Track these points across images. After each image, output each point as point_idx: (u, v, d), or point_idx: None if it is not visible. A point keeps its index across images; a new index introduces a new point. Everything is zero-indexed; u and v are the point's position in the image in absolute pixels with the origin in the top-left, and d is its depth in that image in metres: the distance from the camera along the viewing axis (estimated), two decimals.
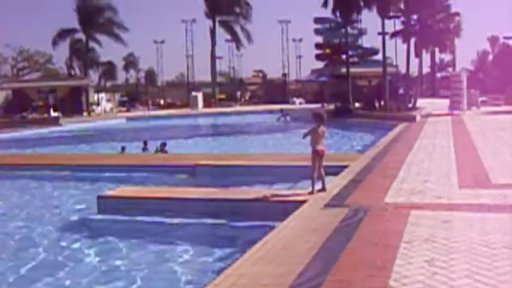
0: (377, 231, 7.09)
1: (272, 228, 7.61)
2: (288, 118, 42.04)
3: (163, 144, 21.11)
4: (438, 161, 13.16)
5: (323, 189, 9.92)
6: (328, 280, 5.26)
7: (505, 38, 79.21)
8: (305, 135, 10.06)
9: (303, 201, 9.11)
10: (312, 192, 9.72)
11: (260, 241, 6.85)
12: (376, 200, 8.89)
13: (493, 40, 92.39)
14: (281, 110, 43.07)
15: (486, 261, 5.62)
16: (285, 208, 8.81)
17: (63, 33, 62.40)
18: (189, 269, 7.95)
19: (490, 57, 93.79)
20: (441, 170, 11.69)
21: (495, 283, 4.99)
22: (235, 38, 69.11)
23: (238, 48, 69.84)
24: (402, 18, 50.48)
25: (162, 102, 72.62)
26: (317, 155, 9.80)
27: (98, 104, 60.86)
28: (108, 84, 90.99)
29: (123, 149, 21.60)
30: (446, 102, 34.50)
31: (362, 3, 39.83)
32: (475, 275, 5.22)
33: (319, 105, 47.23)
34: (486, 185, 9.86)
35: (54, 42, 62.21)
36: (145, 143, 22.44)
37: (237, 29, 67.97)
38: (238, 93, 77.74)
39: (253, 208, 9.88)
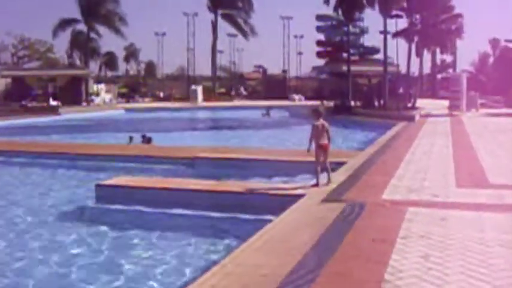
0: (374, 226, 7.14)
1: (270, 221, 7.66)
2: (271, 115, 42.42)
3: (148, 139, 21.13)
4: (436, 160, 13.23)
5: (328, 181, 10.14)
6: (324, 272, 5.31)
7: (506, 41, 79.19)
8: (310, 141, 10.20)
9: (301, 196, 9.17)
10: (316, 185, 9.90)
11: (257, 233, 6.90)
12: (373, 196, 8.95)
13: (494, 43, 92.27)
14: (267, 108, 43.41)
15: (481, 258, 5.68)
16: (283, 202, 8.86)
17: (64, 23, 62.22)
18: (186, 258, 8.00)
19: (491, 59, 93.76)
20: (439, 169, 11.76)
21: (489, 280, 5.05)
22: (239, 30, 68.92)
23: (246, 37, 69.48)
24: (405, 18, 50.38)
25: (161, 94, 72.52)
26: (320, 149, 9.97)
27: (98, 94, 60.77)
28: (109, 75, 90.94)
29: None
30: (445, 103, 34.55)
31: (365, 2, 39.79)
32: (469, 271, 5.29)
33: (317, 102, 47.33)
34: (483, 184, 9.93)
35: (55, 32, 62.05)
36: (130, 138, 21.91)
37: (241, 22, 67.86)
38: (242, 88, 77.66)
39: (251, 201, 9.93)
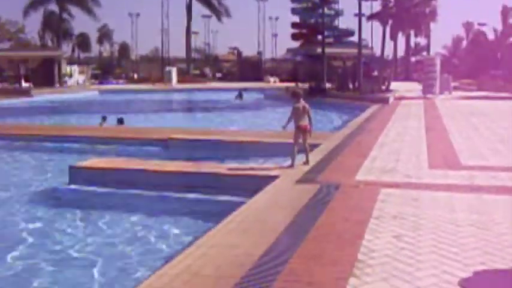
0: (347, 207, 7.20)
1: (244, 202, 7.67)
2: (243, 98, 42.23)
3: (119, 119, 21.07)
4: (409, 142, 13.35)
5: (307, 162, 10.26)
6: (298, 252, 5.34)
7: (480, 24, 79.98)
8: (288, 120, 10.23)
9: (275, 177, 9.19)
10: (291, 166, 9.96)
11: (232, 214, 6.91)
12: (347, 177, 9.01)
13: (468, 26, 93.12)
14: (240, 91, 43.12)
15: (452, 237, 5.77)
16: (257, 183, 8.87)
17: (35, 3, 61.19)
18: (162, 240, 8.00)
19: (464, 43, 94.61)
20: (412, 150, 11.87)
21: (460, 258, 5.13)
22: (213, 11, 68.52)
23: (219, 18, 69.10)
24: (379, 0, 50.57)
25: (135, 76, 71.91)
26: (299, 130, 10.04)
27: (71, 76, 60.00)
28: (82, 56, 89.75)
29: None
30: (419, 85, 34.82)
31: None
32: (440, 250, 5.36)
33: (292, 84, 47.42)
34: (455, 166, 10.05)
35: (26, 12, 61.02)
36: (104, 118, 21.71)
37: (215, 2, 67.47)
38: (208, 69, 77.25)
39: (225, 182, 9.92)
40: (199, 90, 52.39)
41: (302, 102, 10.14)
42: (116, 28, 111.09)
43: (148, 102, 40.16)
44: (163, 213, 9.28)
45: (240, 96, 42.50)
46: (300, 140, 10.17)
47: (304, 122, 10.15)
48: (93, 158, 12.77)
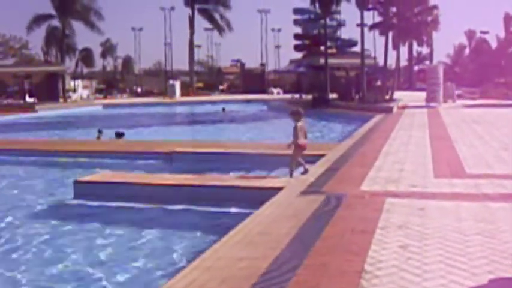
0: (353, 217, 7.17)
1: (249, 214, 7.65)
2: (225, 112, 42.70)
3: (120, 134, 21.14)
4: (414, 151, 13.32)
5: (306, 171, 10.64)
6: (304, 264, 5.32)
7: (482, 32, 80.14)
8: (293, 138, 10.78)
9: (280, 188, 9.17)
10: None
11: (237, 226, 6.89)
12: (352, 187, 8.99)
13: (470, 34, 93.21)
14: (223, 108, 43.60)
15: (459, 247, 5.73)
16: (262, 195, 8.85)
17: (39, 19, 61.45)
18: (167, 253, 7.96)
19: (467, 51, 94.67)
20: (417, 160, 11.84)
21: (467, 268, 5.10)
22: (215, 25, 68.81)
23: (220, 33, 69.44)
24: (381, 11, 50.59)
25: (139, 90, 72.10)
26: (300, 149, 10.42)
27: (75, 90, 60.26)
28: (85, 71, 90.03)
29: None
30: (423, 94, 34.81)
31: None
32: (447, 259, 5.33)
33: (292, 95, 47.71)
34: (460, 174, 10.02)
35: (30, 28, 61.27)
36: (99, 132, 21.71)
37: (217, 17, 67.73)
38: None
39: (230, 194, 9.92)
40: (202, 103, 52.45)
41: (302, 122, 10.50)
42: (120, 42, 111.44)
43: (152, 116, 40.23)
44: (168, 227, 9.26)
45: (223, 110, 43.17)
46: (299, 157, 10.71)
47: (303, 140, 10.75)
48: (97, 172, 12.78)
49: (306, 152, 11.17)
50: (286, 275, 4.98)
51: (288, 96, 49.21)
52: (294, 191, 8.85)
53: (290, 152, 10.85)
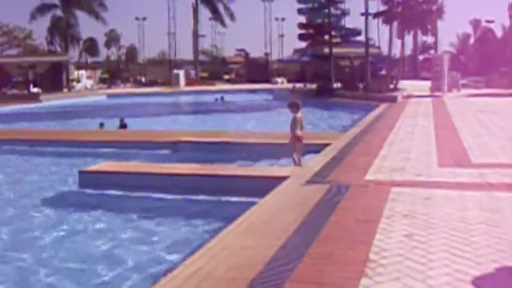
0: (358, 206, 7.19)
1: (254, 203, 7.67)
2: (224, 100, 43.15)
3: (123, 124, 21.31)
4: (419, 140, 13.31)
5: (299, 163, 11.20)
6: (309, 252, 5.34)
7: (487, 21, 79.68)
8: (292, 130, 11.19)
9: (285, 177, 9.19)
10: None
11: (242, 215, 6.92)
12: (357, 177, 9.00)
13: (475, 23, 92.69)
14: (222, 97, 43.97)
15: (464, 236, 5.74)
16: (267, 184, 8.86)
17: (43, 8, 61.40)
18: (172, 242, 7.99)
19: (472, 40, 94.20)
20: (421, 149, 11.83)
21: (471, 257, 5.11)
22: (217, 17, 68.68)
23: (223, 24, 69.30)
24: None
25: (143, 79, 72.03)
26: (297, 139, 10.61)
27: (79, 80, 60.24)
28: (89, 61, 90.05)
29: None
30: (427, 84, 34.71)
31: None
32: (452, 249, 5.34)
33: (293, 84, 47.74)
34: (465, 164, 10.02)
35: (33, 16, 61.21)
36: (101, 125, 21.85)
37: (220, 6, 67.57)
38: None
39: (235, 184, 9.93)
40: (206, 92, 52.38)
41: (299, 114, 10.67)
42: (124, 32, 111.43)
43: (156, 106, 40.22)
44: (173, 216, 9.29)
45: (221, 98, 43.57)
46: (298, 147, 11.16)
47: (300, 131, 11.10)
48: (102, 162, 12.81)
49: (310, 141, 11.28)
50: (292, 264, 5.01)
51: (291, 85, 49.12)
52: (299, 180, 8.86)
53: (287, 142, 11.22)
